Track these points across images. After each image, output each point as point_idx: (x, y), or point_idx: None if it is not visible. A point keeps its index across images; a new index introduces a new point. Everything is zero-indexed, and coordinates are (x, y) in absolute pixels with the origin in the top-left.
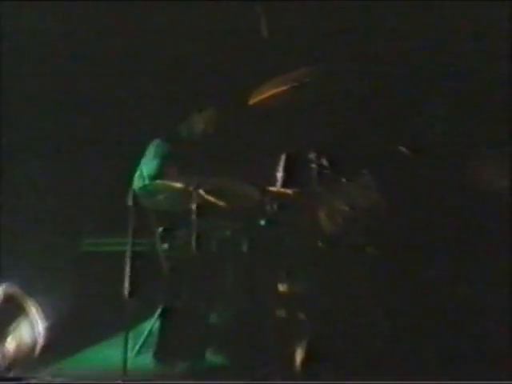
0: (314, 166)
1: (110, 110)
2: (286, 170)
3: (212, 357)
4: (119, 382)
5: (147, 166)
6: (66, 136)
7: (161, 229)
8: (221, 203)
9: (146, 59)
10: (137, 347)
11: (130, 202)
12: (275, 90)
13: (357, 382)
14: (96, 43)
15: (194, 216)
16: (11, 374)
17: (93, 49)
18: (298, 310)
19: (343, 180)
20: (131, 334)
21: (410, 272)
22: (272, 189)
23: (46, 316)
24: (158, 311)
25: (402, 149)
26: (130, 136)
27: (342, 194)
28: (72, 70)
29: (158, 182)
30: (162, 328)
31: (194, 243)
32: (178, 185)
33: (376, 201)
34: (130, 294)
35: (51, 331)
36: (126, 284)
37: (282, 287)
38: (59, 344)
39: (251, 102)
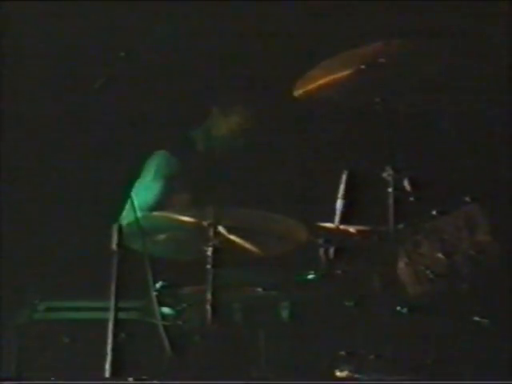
0: (390, 190)
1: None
2: (349, 196)
3: None
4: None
5: (143, 190)
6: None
7: (159, 285)
8: (250, 246)
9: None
10: None
11: (113, 245)
12: (330, 77)
13: None
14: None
15: (209, 266)
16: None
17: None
18: None
19: (434, 212)
20: None
21: None
22: (327, 225)
23: None
24: None
25: None
26: (122, 147)
27: (432, 234)
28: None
29: (156, 213)
30: None
31: (208, 307)
32: (187, 218)
33: (486, 243)
34: None
35: None
36: (107, 369)
37: (340, 373)
38: None
39: (295, 93)
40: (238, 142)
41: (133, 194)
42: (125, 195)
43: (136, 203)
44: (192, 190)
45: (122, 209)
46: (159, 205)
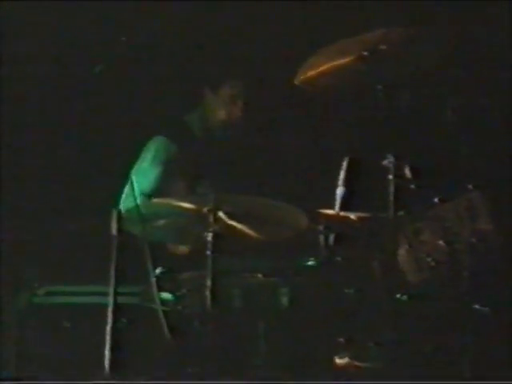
0: (390, 177)
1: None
2: (349, 183)
3: None
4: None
5: (141, 177)
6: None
7: (159, 270)
8: (250, 232)
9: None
10: None
11: (113, 231)
12: (331, 63)
13: None
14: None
15: (208, 252)
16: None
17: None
18: None
19: (436, 200)
20: None
21: None
22: (327, 212)
23: None
24: None
25: None
26: (121, 133)
27: (433, 222)
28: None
29: (156, 200)
30: None
31: (208, 293)
32: (187, 204)
33: (487, 231)
34: (112, 368)
35: None
36: (107, 353)
37: (340, 360)
38: None
39: (296, 80)
40: (233, 123)
41: (132, 178)
42: (124, 181)
43: (136, 187)
44: (190, 175)
45: (121, 194)
46: (157, 191)
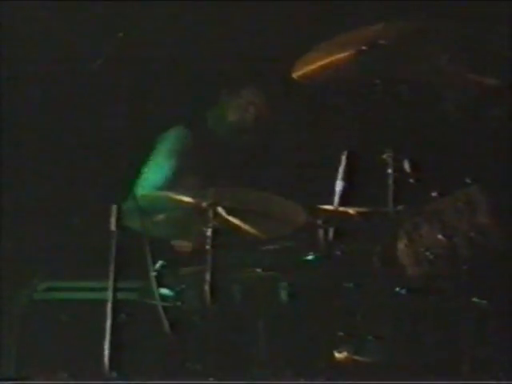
0: (389, 171)
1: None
2: (348, 177)
3: None
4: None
5: (154, 170)
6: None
7: (158, 265)
8: (249, 228)
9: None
10: None
11: (112, 226)
12: (330, 58)
13: None
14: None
15: (208, 247)
16: None
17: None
18: None
19: (434, 194)
20: None
21: None
22: (326, 207)
23: None
24: None
25: None
26: (122, 130)
27: (432, 216)
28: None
29: (156, 193)
30: None
31: (207, 288)
32: (186, 199)
33: (486, 225)
34: (112, 365)
35: None
36: (106, 351)
37: (339, 354)
38: None
39: (295, 75)
40: (243, 124)
41: (145, 172)
42: (124, 176)
43: (146, 182)
44: (198, 171)
45: (121, 190)
46: (168, 184)
